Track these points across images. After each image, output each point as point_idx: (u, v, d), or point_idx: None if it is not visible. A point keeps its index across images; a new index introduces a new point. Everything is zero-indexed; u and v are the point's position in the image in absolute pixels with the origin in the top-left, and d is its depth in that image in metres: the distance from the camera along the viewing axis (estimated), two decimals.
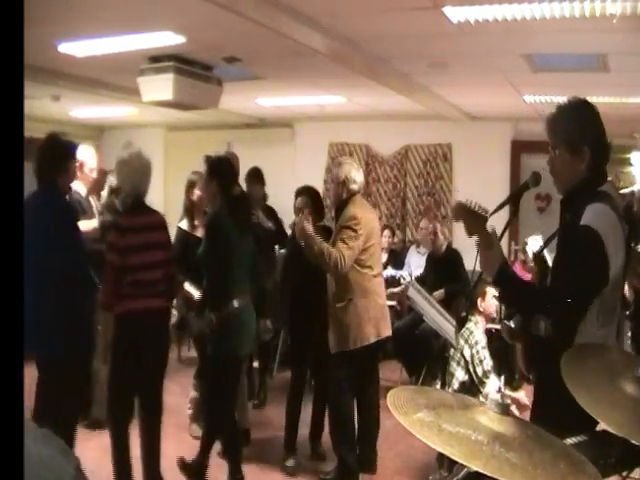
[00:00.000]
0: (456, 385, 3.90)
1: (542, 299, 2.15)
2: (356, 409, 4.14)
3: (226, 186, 3.80)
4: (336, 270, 3.80)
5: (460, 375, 3.92)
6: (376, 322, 3.97)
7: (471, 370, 3.88)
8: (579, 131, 2.15)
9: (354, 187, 4.02)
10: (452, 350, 3.90)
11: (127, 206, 3.58)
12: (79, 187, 4.42)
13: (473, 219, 2.17)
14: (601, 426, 1.69)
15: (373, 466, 4.19)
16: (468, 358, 3.88)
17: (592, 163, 2.13)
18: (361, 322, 3.91)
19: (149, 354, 3.49)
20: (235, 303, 3.69)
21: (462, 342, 3.88)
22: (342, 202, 4.03)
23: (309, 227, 3.78)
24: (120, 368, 3.49)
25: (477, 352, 3.87)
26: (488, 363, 3.88)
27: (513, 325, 2.28)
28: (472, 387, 3.86)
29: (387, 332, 4.11)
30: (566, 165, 2.16)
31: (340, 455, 4.05)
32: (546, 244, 2.39)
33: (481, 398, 3.71)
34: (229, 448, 3.90)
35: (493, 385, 3.73)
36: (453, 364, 3.94)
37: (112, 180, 4.44)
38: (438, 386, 3.94)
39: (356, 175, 4.04)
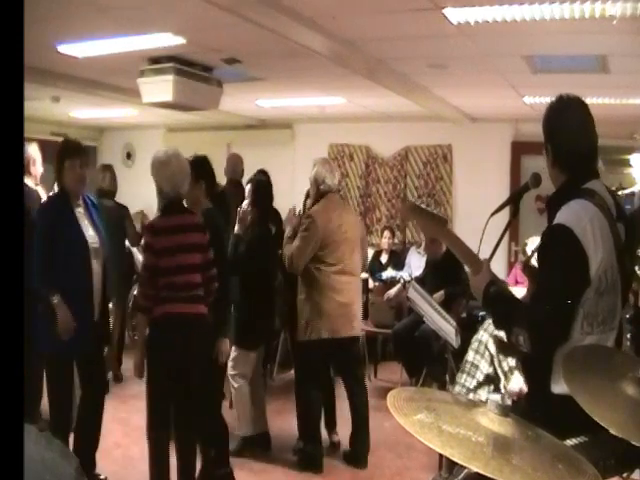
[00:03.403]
0: (481, 377, 3.84)
1: (522, 310, 1.96)
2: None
3: (212, 186, 3.89)
4: (288, 268, 4.14)
5: (484, 368, 3.86)
6: (332, 319, 4.08)
7: (496, 364, 3.81)
8: (545, 128, 2.13)
9: (323, 187, 4.21)
10: (476, 343, 3.86)
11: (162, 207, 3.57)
12: (28, 181, 4.49)
13: (430, 221, 2.13)
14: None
15: (362, 461, 4.21)
16: (493, 352, 3.82)
17: (556, 161, 2.08)
18: (313, 317, 4.08)
19: (186, 362, 3.29)
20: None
21: (487, 336, 3.82)
22: (315, 201, 4.27)
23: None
24: (156, 377, 3.30)
25: None
26: (513, 359, 3.82)
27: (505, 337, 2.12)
28: (496, 380, 3.81)
29: (349, 331, 4.15)
30: (547, 166, 2.14)
31: (304, 444, 4.20)
32: (533, 253, 2.32)
33: (503, 391, 3.66)
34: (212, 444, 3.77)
35: (517, 382, 3.65)
36: (477, 356, 3.88)
37: None
38: (451, 388, 3.92)
39: (326, 176, 4.20)
